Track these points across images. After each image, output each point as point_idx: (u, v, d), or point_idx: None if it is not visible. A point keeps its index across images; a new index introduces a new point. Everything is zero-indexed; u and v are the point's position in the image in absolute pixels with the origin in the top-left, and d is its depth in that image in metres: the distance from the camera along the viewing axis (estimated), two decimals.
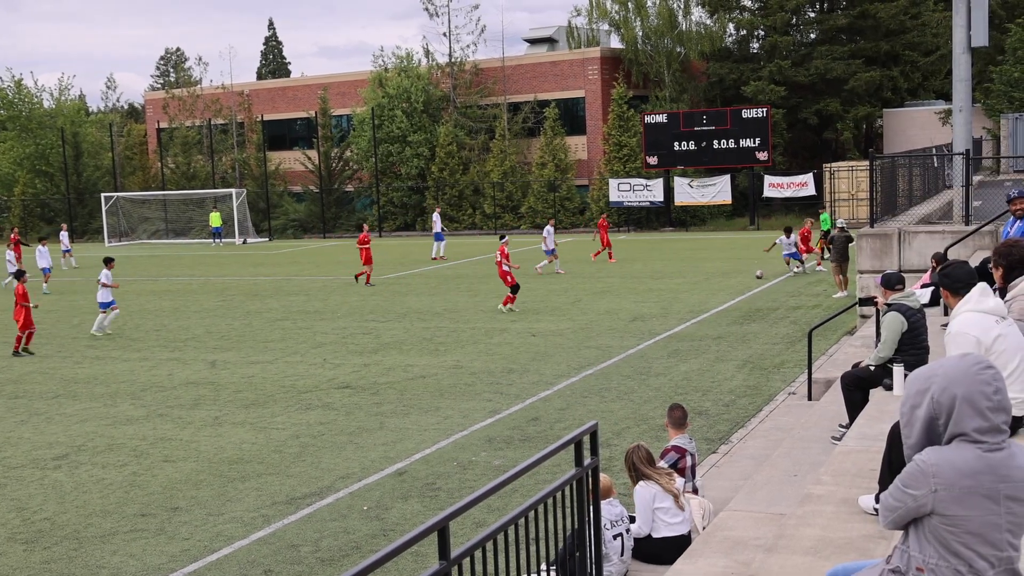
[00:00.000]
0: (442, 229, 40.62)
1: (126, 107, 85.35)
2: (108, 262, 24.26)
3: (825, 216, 34.87)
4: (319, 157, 57.52)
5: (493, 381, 17.04)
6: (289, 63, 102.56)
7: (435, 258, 38.53)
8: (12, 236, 39.58)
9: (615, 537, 7.78)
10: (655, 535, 8.26)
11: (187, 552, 9.94)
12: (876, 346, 10.20)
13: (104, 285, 23.58)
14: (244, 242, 54.67)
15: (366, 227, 33.18)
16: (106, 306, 23.85)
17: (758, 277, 28.64)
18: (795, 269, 29.44)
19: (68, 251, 41.91)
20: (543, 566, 6.51)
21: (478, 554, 5.21)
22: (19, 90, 65.75)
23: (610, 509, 7.78)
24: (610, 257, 34.84)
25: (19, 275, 22.82)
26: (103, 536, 10.48)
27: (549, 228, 32.99)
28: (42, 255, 34.02)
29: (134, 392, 17.41)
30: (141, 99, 76.16)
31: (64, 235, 42.83)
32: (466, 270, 34.85)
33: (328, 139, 58.18)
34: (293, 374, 18.36)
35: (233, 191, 56.14)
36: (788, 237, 29.25)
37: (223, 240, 54.87)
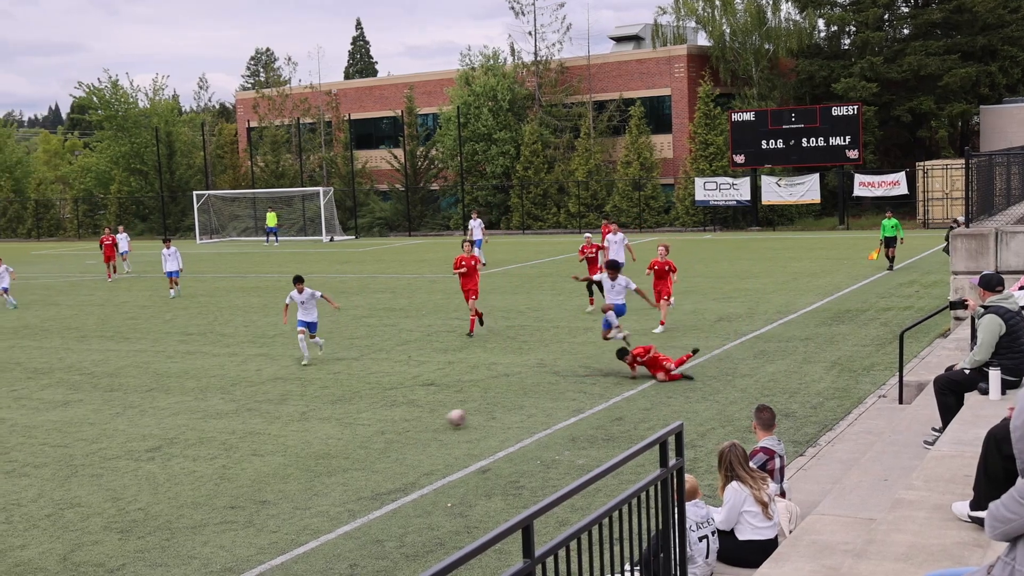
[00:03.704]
0: (483, 236, 37.57)
1: (217, 107, 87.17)
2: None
3: (888, 223, 29.78)
4: (405, 156, 58.06)
5: (577, 380, 17.01)
6: (376, 63, 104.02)
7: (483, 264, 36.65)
8: (103, 237, 38.64)
9: (700, 539, 7.69)
10: (740, 536, 8.15)
11: (275, 545, 10.10)
12: (971, 349, 9.93)
13: None
14: (331, 240, 55.42)
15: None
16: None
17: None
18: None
19: (126, 253, 40.21)
20: (626, 566, 6.47)
21: (561, 553, 5.20)
22: (115, 91, 67.62)
23: (696, 511, 7.70)
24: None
25: None
26: (194, 527, 10.71)
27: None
28: (167, 258, 31.58)
29: (224, 387, 17.76)
30: (232, 99, 77.73)
31: (123, 237, 40.27)
32: (550, 269, 34.84)
33: (414, 138, 58.68)
34: (378, 371, 18.54)
35: (320, 189, 56.96)
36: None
37: (278, 239, 55.46)
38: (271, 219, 55.93)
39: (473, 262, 21.99)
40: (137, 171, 66.61)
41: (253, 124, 64.59)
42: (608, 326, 18.28)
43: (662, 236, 47.40)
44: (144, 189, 66.62)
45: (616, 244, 27.50)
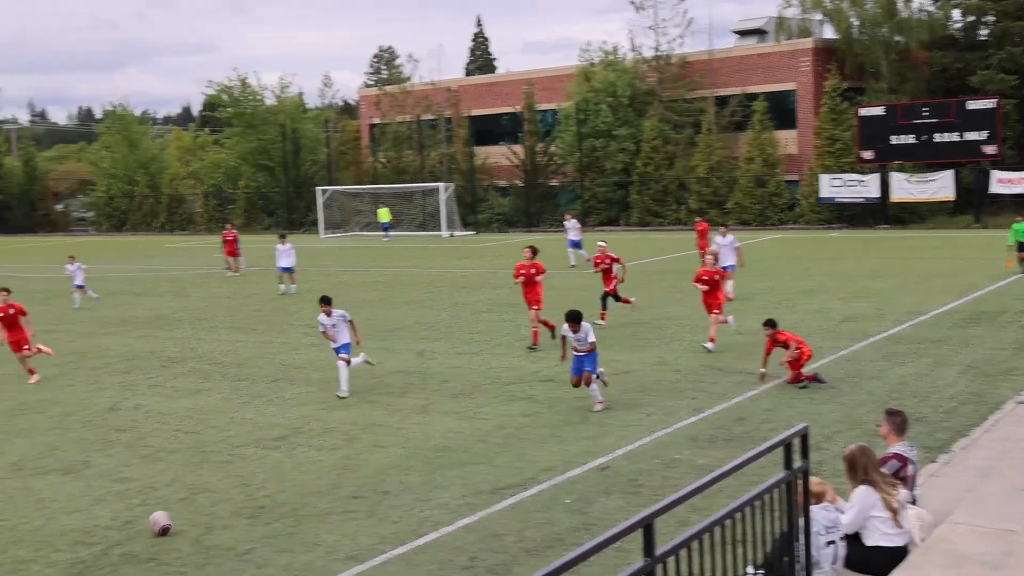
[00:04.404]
0: (579, 237, 36.78)
1: (341, 104, 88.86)
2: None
3: (1019, 226, 28.22)
4: (524, 152, 58.22)
5: (697, 379, 16.80)
6: (495, 59, 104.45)
7: (573, 266, 35.16)
8: (225, 232, 38.40)
9: (828, 544, 7.50)
10: (867, 542, 7.92)
11: (396, 535, 10.25)
12: None
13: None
14: (451, 235, 55.98)
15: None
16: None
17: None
18: None
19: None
20: (749, 568, 6.36)
21: (683, 553, 5.15)
22: (244, 89, 69.58)
23: (824, 514, 7.50)
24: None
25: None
26: (319, 515, 10.95)
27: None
28: (282, 253, 31.68)
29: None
30: (355, 96, 79.16)
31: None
32: (670, 266, 34.52)
33: (533, 134, 58.78)
34: (498, 366, 18.65)
35: (441, 185, 57.57)
36: None
37: (389, 235, 55.98)
38: (383, 215, 56.73)
39: (533, 270, 20.53)
40: (264, 167, 68.38)
41: (375, 121, 65.64)
42: (595, 391, 15.15)
43: (786, 234, 46.50)
44: (270, 184, 68.35)
45: (726, 247, 25.24)
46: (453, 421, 14.79)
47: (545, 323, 20.39)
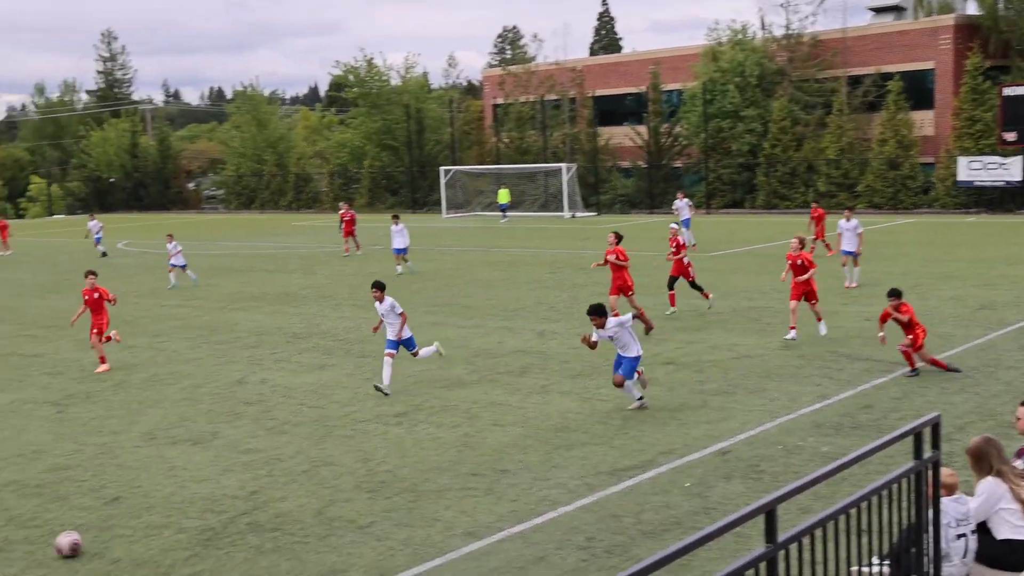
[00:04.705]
0: (690, 215, 36.10)
1: (465, 84, 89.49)
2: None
3: None
4: (648, 133, 57.65)
5: (822, 365, 16.41)
6: (621, 39, 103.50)
7: (692, 245, 33.44)
8: (342, 212, 38.33)
9: (958, 537, 7.24)
10: (998, 536, 7.61)
11: (514, 513, 10.30)
12: None
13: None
14: (573, 216, 55.87)
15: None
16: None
17: None
18: None
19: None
20: (874, 559, 6.18)
21: (805, 540, 5.02)
22: (370, 69, 70.58)
23: (956, 507, 7.24)
24: (828, 249, 29.93)
25: None
26: (438, 491, 11.07)
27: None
28: (396, 234, 31.67)
29: (467, 357, 18.25)
30: (479, 76, 79.56)
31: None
32: None
33: (658, 115, 58.15)
34: None
35: (564, 166, 57.47)
36: None
37: (506, 216, 55.85)
38: (503, 196, 56.89)
39: (615, 255, 20.07)
40: (388, 146, 69.34)
41: (499, 101, 65.87)
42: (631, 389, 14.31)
43: (920, 219, 45.01)
44: (394, 164, 69.30)
45: (849, 232, 24.49)
46: (572, 402, 14.78)
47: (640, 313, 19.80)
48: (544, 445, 12.63)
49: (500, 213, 56.18)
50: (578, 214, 56.51)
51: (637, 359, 14.03)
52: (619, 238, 20.48)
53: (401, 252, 31.70)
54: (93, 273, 19.38)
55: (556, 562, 9.07)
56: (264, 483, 11.59)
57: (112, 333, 19.12)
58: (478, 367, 17.34)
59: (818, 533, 5.11)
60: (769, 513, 4.74)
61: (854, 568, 5.89)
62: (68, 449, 13.39)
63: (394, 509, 10.58)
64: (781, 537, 4.78)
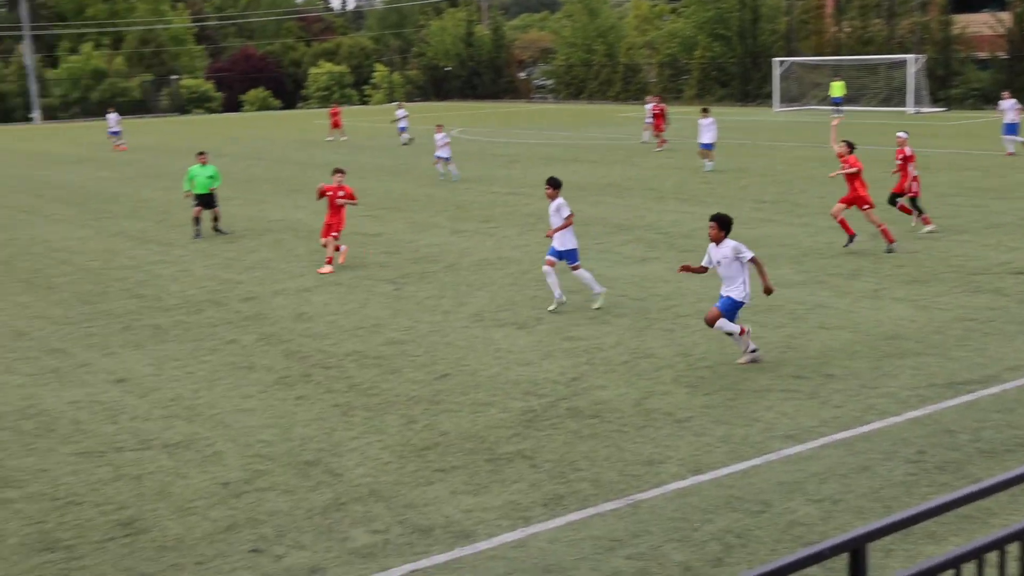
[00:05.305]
0: (1017, 119, 31.16)
1: None
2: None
3: None
4: (1013, 20, 52.35)
5: None
6: None
7: (1011, 154, 30.78)
8: (654, 106, 37.91)
9: None
10: None
11: (838, 419, 9.86)
12: None
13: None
14: (917, 112, 52.17)
15: None
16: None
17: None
18: None
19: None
20: None
21: None
22: None
23: None
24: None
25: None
26: (758, 391, 10.80)
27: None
28: (704, 128, 30.34)
29: (795, 256, 17.59)
30: None
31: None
32: None
33: None
34: (962, 254, 17.22)
35: (910, 57, 53.54)
36: None
37: (842, 110, 51.44)
38: (836, 89, 53.40)
39: (847, 166, 17.53)
40: (720, 36, 67.40)
41: None
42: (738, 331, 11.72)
43: None
44: (726, 55, 67.32)
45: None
46: (907, 309, 13.89)
47: (883, 230, 17.71)
48: (873, 352, 11.98)
49: (833, 107, 53.08)
50: (923, 109, 52.68)
51: (735, 303, 11.58)
52: (851, 147, 18.08)
53: (708, 147, 30.42)
54: (341, 171, 18.91)
55: (882, 473, 8.61)
56: (584, 370, 11.77)
57: (342, 251, 18.63)
58: (806, 267, 16.67)
59: None
60: None
61: None
62: (403, 325, 14.19)
63: (713, 406, 10.43)
64: None
